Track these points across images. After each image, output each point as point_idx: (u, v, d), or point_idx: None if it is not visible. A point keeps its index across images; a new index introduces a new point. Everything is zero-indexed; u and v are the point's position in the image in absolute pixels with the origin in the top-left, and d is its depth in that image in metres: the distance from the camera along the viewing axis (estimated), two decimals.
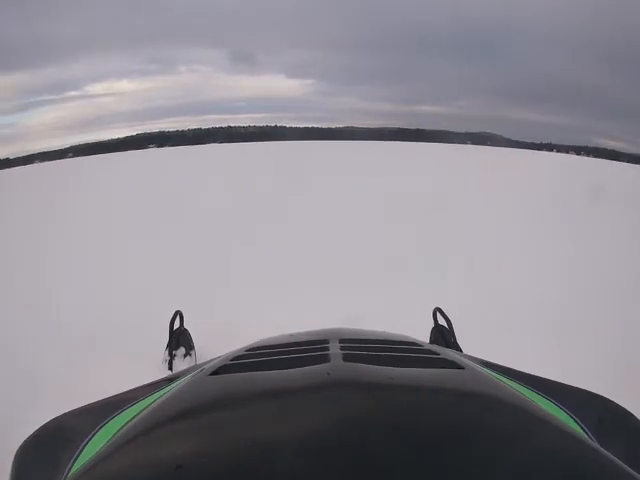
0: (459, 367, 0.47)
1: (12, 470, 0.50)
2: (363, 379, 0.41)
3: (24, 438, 0.54)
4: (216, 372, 0.48)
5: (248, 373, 0.46)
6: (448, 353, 0.55)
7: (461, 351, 1.26)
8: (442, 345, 1.51)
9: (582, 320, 2.36)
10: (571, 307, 2.57)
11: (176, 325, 1.96)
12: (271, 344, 0.55)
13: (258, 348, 0.54)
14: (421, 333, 1.66)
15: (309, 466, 0.30)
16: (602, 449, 0.35)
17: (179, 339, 1.95)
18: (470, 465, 0.31)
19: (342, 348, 0.49)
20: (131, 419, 0.46)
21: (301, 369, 0.43)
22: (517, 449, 0.34)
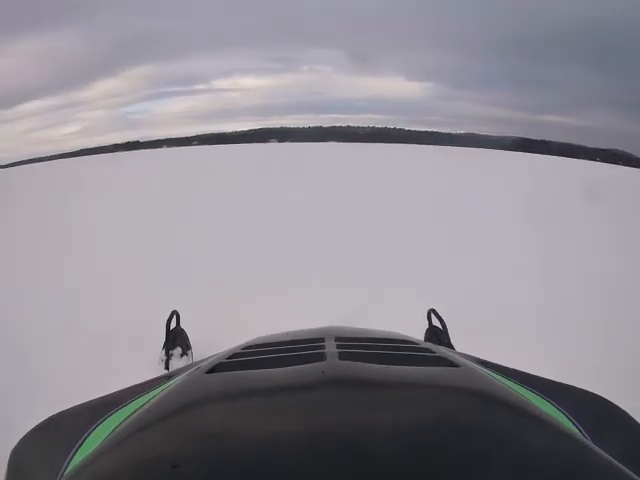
0: (455, 365, 0.48)
1: (8, 468, 0.50)
2: (359, 377, 0.41)
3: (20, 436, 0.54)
4: (212, 370, 0.48)
5: (244, 371, 0.46)
6: (444, 351, 0.55)
7: None
8: None
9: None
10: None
11: (173, 325, 1.96)
12: (267, 342, 0.55)
13: (254, 346, 0.55)
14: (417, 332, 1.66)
15: (304, 465, 0.30)
16: (596, 447, 0.35)
17: (176, 339, 1.95)
18: (465, 463, 0.31)
19: (338, 346, 0.49)
20: (127, 417, 0.46)
21: (297, 367, 0.43)
22: (512, 447, 0.34)
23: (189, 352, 1.96)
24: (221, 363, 0.49)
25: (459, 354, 0.60)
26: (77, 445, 0.48)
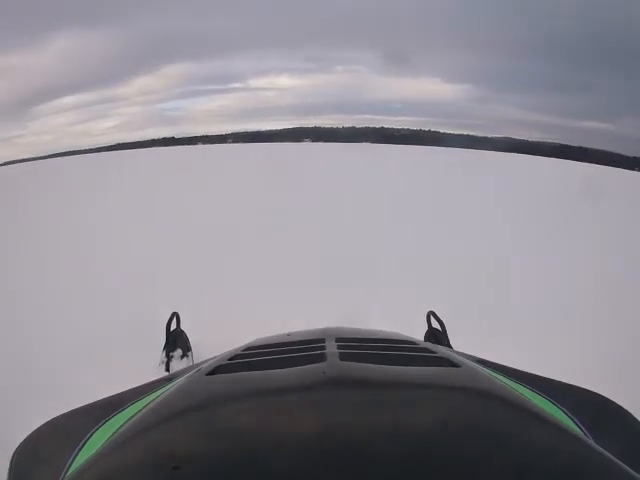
0: (455, 365, 0.48)
1: (10, 470, 0.50)
2: (360, 378, 0.41)
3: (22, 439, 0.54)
4: (213, 372, 0.48)
5: (245, 373, 0.46)
6: (444, 351, 0.55)
7: None
8: None
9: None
10: None
11: (173, 326, 1.96)
12: (268, 344, 0.55)
13: (255, 348, 0.55)
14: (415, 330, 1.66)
15: (306, 466, 0.30)
16: (598, 446, 0.36)
17: (176, 340, 1.94)
18: (467, 462, 0.31)
19: (339, 347, 0.49)
20: (128, 419, 0.46)
21: (298, 368, 0.43)
22: (513, 446, 0.34)
23: (189, 354, 1.95)
24: (222, 365, 0.50)
25: (459, 354, 0.60)
26: (79, 447, 0.48)
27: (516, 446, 0.34)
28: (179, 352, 1.91)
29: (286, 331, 0.62)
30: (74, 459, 0.47)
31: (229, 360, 0.51)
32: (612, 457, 0.34)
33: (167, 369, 1.82)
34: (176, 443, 0.35)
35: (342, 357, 0.45)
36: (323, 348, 0.49)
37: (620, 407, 0.58)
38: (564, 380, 0.62)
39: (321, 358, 0.45)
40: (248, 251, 3.76)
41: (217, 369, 0.49)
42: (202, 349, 1.94)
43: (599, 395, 0.60)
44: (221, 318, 2.28)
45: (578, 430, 0.49)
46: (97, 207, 6.15)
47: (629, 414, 0.57)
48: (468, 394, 0.42)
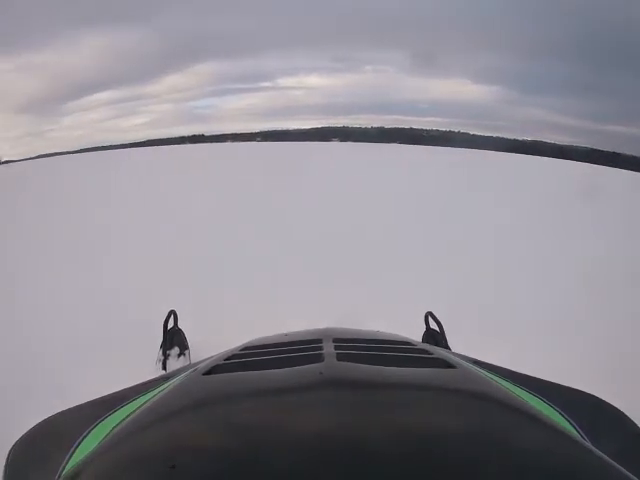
0: (451, 366, 0.48)
1: (6, 468, 0.50)
2: (356, 379, 0.41)
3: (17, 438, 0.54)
4: (209, 372, 0.48)
5: (241, 373, 0.46)
6: (441, 352, 0.56)
7: None
8: None
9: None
10: None
11: (170, 325, 1.96)
12: (265, 344, 0.55)
13: (252, 348, 0.55)
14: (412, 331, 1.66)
15: (302, 466, 0.30)
16: (593, 447, 0.36)
17: (173, 339, 1.94)
18: (462, 464, 0.31)
19: (336, 347, 0.49)
20: (124, 419, 0.46)
21: (294, 369, 0.43)
22: (508, 447, 0.34)
23: (187, 352, 1.95)
24: (218, 365, 0.49)
25: (456, 355, 0.60)
26: (75, 446, 0.48)
27: (510, 448, 0.34)
28: (176, 350, 1.91)
29: (284, 331, 0.62)
30: (70, 458, 0.47)
31: (226, 360, 0.51)
32: (608, 459, 0.34)
33: (164, 367, 1.82)
34: (172, 442, 0.35)
35: (339, 358, 0.45)
36: (320, 349, 0.49)
37: (615, 409, 0.59)
38: (561, 382, 0.63)
39: (318, 359, 0.45)
40: (253, 250, 3.75)
41: (214, 369, 0.49)
42: (200, 347, 1.94)
43: (595, 397, 0.61)
44: (219, 317, 2.28)
45: (574, 432, 0.49)
46: (108, 204, 6.11)
47: (624, 416, 0.57)
48: (463, 395, 0.43)
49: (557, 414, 0.53)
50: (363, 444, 0.32)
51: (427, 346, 0.57)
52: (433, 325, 1.76)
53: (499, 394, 0.44)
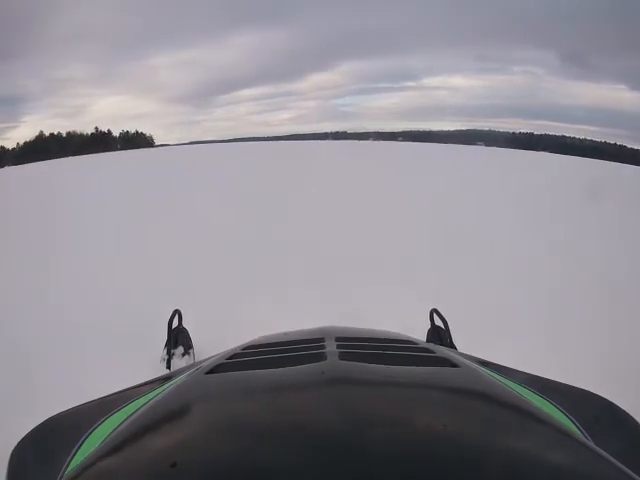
0: (454, 365, 0.47)
1: (9, 468, 0.50)
2: (359, 377, 0.41)
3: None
4: (212, 371, 0.48)
5: (244, 372, 0.46)
6: (444, 351, 0.55)
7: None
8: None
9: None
10: None
11: (175, 324, 1.97)
12: (268, 342, 0.55)
13: (255, 347, 0.55)
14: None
15: (305, 464, 0.30)
16: (596, 447, 0.35)
17: (177, 338, 1.95)
18: (465, 463, 0.31)
19: (338, 346, 0.49)
20: (128, 417, 0.46)
21: (297, 367, 0.43)
22: (511, 446, 0.34)
23: (191, 351, 1.96)
24: (221, 364, 0.49)
25: (459, 354, 0.60)
26: (77, 445, 0.48)
27: (511, 448, 0.34)
28: (180, 350, 1.92)
29: (288, 329, 0.62)
30: (73, 457, 0.47)
31: (228, 359, 0.51)
32: (611, 458, 0.33)
33: (168, 366, 1.83)
34: (174, 441, 0.35)
35: (341, 356, 0.45)
36: (323, 347, 0.49)
37: (619, 408, 0.58)
38: (566, 381, 0.62)
39: (321, 357, 0.45)
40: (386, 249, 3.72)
41: (216, 368, 0.49)
42: (204, 346, 1.94)
43: (599, 397, 0.60)
44: (223, 316, 2.28)
45: (577, 431, 0.49)
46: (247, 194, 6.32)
47: (629, 416, 0.57)
48: (466, 394, 0.42)
49: (561, 414, 0.52)
50: (365, 443, 0.32)
51: (430, 345, 0.57)
52: (438, 322, 1.75)
53: (502, 394, 0.43)
